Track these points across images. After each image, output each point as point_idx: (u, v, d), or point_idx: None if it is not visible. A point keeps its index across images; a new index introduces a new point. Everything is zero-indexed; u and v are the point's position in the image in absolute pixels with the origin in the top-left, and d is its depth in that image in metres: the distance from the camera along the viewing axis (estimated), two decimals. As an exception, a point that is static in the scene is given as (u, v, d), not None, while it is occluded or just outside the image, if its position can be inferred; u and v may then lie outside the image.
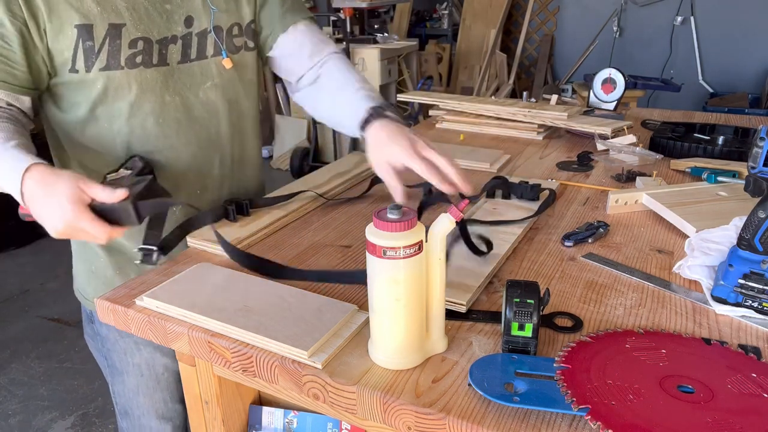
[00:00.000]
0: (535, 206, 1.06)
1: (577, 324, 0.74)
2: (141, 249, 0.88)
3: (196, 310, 0.78)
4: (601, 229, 0.98)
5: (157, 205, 0.85)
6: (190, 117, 1.03)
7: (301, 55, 1.14)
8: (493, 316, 0.76)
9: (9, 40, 0.88)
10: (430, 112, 1.71)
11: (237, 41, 1.07)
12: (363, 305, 0.78)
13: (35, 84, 0.93)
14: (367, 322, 0.75)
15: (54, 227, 0.78)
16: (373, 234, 0.62)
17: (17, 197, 0.82)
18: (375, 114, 0.96)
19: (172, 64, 1.00)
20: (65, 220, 0.77)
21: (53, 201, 0.77)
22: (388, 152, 0.88)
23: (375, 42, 4.05)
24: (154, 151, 1.01)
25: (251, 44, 1.10)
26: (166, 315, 0.79)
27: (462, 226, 0.88)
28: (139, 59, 0.96)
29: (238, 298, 0.80)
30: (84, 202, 0.77)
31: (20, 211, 0.84)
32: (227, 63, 1.06)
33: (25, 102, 0.94)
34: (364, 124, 0.96)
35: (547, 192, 1.11)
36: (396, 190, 0.88)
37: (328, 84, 1.13)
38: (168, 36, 0.98)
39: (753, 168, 0.77)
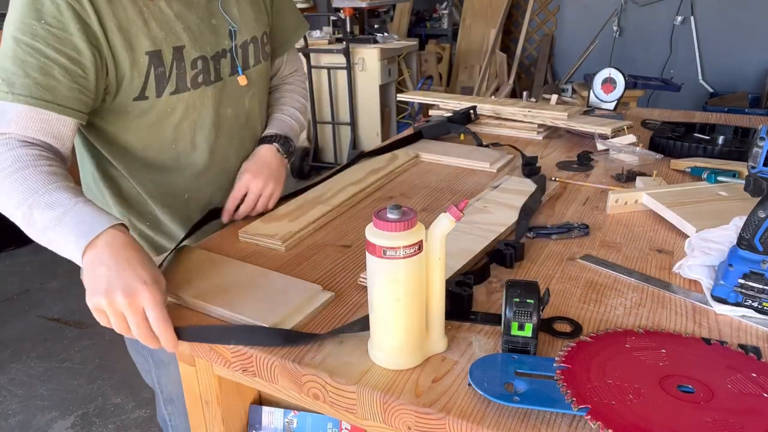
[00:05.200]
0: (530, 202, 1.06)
1: (577, 329, 0.73)
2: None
3: (171, 288, 0.82)
4: (576, 231, 0.98)
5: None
6: (240, 126, 1.10)
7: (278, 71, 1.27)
8: (493, 318, 0.75)
9: (86, 70, 0.87)
10: (430, 112, 1.71)
11: (267, 49, 1.14)
12: (332, 287, 0.84)
13: (91, 110, 0.92)
14: (330, 301, 0.81)
15: (107, 291, 0.72)
16: (373, 234, 0.62)
17: (75, 250, 0.76)
18: (266, 140, 1.14)
19: (225, 78, 1.04)
20: (128, 293, 0.71)
21: (128, 271, 0.73)
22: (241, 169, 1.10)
23: (375, 42, 4.05)
24: (212, 164, 1.07)
25: (268, 51, 1.15)
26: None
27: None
28: (200, 78, 0.99)
29: (212, 277, 0.86)
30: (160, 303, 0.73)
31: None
32: (262, 71, 1.12)
33: (70, 130, 0.89)
34: (259, 142, 1.15)
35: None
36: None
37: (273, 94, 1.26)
38: (219, 51, 1.01)
39: (753, 168, 0.76)
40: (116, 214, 1.06)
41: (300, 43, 3.95)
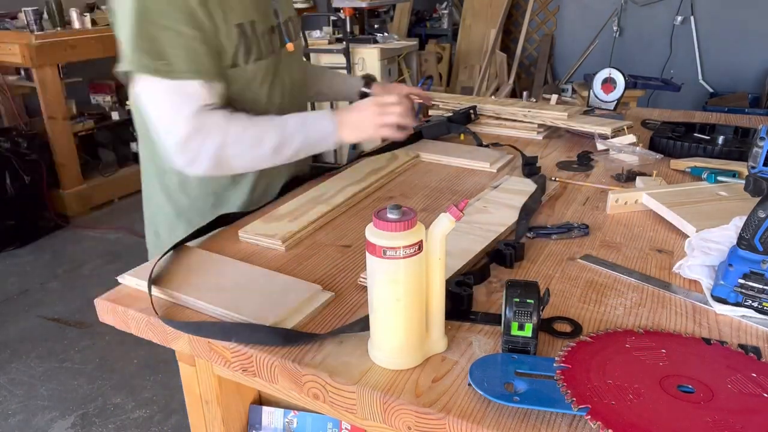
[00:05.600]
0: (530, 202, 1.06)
1: (577, 329, 0.73)
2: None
3: (172, 287, 0.83)
4: (576, 231, 0.98)
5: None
6: (296, 93, 1.22)
7: None
8: (493, 318, 0.75)
9: (210, 42, 1.00)
10: (430, 112, 1.71)
11: (298, 28, 1.26)
12: (332, 288, 0.84)
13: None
14: (330, 301, 0.81)
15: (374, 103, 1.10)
16: (373, 234, 0.62)
17: (330, 124, 1.08)
18: (370, 78, 1.46)
19: (278, 50, 1.16)
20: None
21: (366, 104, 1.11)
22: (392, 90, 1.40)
23: (375, 42, 4.04)
24: None
25: (299, 30, 1.29)
26: (165, 312, 0.79)
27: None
28: (269, 48, 1.12)
29: (212, 276, 0.86)
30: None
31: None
32: (300, 46, 1.26)
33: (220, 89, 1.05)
34: (366, 85, 1.44)
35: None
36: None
37: (314, 71, 1.47)
38: (272, 26, 1.14)
39: (753, 168, 0.76)
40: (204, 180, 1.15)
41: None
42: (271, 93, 1.13)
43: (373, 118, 1.09)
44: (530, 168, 1.24)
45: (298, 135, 1.06)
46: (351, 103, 1.27)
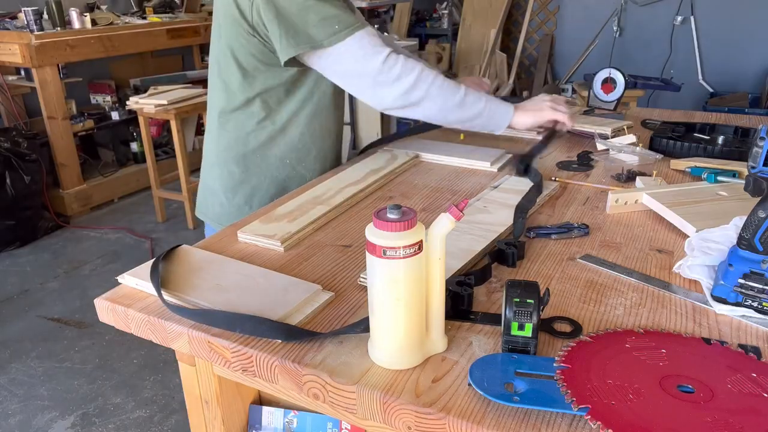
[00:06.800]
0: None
1: (577, 329, 0.73)
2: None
3: (172, 287, 0.83)
4: (576, 231, 0.98)
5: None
6: (337, 93, 1.30)
7: None
8: (493, 318, 0.76)
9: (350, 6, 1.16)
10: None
11: None
12: (332, 287, 0.84)
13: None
14: (330, 301, 0.81)
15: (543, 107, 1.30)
16: (373, 234, 0.62)
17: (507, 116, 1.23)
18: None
19: None
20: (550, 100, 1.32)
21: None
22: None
23: (375, 42, 4.04)
24: (326, 121, 1.29)
25: None
26: (165, 312, 0.79)
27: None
28: None
29: (212, 277, 0.86)
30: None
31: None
32: None
33: None
34: None
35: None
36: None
37: None
38: None
39: (753, 168, 0.76)
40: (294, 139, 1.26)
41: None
42: (318, 88, 1.24)
43: (549, 104, 1.30)
44: (525, 166, 1.23)
45: (482, 102, 1.16)
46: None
